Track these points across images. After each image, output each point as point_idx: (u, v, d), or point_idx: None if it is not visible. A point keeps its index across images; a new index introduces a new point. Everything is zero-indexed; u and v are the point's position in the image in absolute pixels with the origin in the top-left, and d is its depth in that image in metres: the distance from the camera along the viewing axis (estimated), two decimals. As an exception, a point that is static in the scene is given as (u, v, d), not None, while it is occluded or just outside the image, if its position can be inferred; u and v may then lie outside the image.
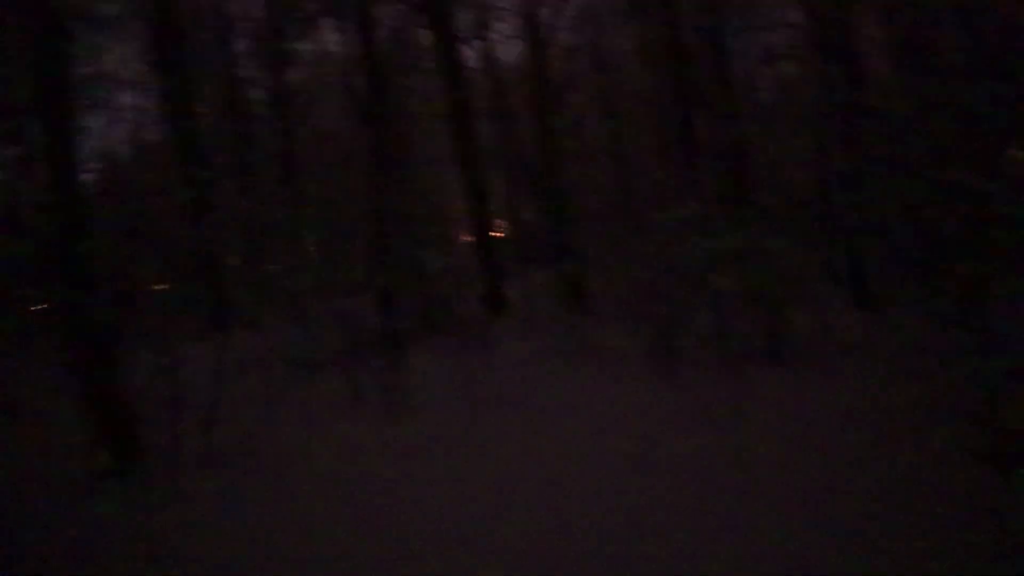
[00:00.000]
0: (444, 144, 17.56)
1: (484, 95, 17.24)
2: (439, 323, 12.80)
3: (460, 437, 6.86)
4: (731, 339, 7.91)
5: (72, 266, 6.87)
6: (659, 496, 4.95)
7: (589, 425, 6.79)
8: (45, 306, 11.72)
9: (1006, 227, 5.86)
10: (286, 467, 6.50)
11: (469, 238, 17.37)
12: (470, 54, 17.63)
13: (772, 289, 8.17)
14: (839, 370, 7.68)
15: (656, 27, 14.10)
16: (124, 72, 18.03)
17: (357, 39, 16.06)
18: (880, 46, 12.56)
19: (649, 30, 15.12)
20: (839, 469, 5.08)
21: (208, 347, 8.53)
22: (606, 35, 18.15)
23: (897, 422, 5.88)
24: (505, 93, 18.27)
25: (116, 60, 17.55)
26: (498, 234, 18.12)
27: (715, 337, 8.14)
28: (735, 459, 5.48)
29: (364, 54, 15.46)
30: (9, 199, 14.14)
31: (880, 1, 11.07)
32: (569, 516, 4.77)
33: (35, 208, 12.12)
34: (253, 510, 5.50)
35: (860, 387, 6.95)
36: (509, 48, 25.87)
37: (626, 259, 10.01)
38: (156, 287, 16.75)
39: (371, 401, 8.50)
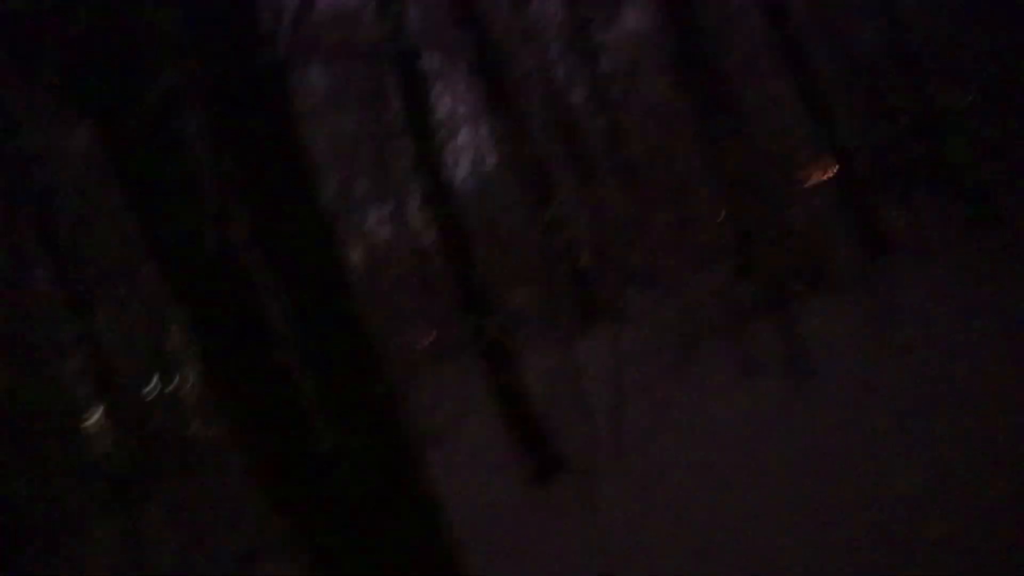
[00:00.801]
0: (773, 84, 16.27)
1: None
2: (817, 278, 11.72)
3: (871, 402, 6.05)
4: None
5: (467, 291, 7.47)
6: None
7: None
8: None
9: None
10: (684, 456, 6.29)
11: (824, 176, 15.83)
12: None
13: None
14: None
15: None
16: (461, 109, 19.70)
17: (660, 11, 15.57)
18: None
19: None
20: None
21: (587, 344, 8.72)
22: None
23: None
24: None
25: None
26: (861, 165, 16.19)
27: None
28: None
29: (669, 21, 14.88)
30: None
31: None
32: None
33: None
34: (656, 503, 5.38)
35: None
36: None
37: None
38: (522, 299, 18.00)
39: (766, 371, 7.96)
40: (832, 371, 7.16)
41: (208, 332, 3.54)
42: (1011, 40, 12.43)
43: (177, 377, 10.86)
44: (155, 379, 10.95)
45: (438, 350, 13.05)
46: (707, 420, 7.20)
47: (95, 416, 10.99)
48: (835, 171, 13.95)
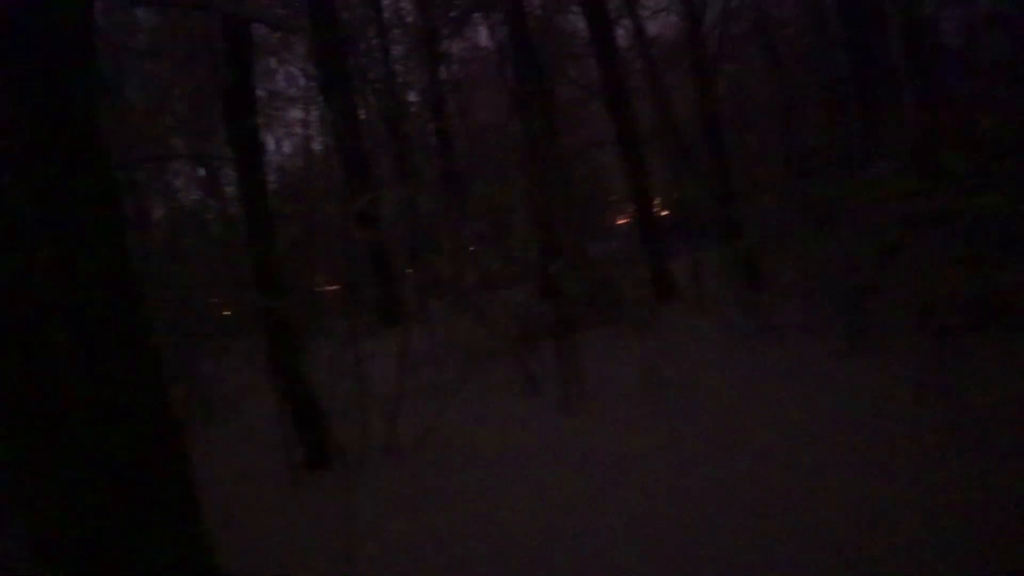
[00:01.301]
0: (601, 127, 17.24)
1: (639, 73, 16.66)
2: (607, 310, 12.53)
3: (639, 424, 6.61)
4: (932, 308, 7.07)
5: (263, 271, 7.27)
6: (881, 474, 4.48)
7: (772, 407, 6.33)
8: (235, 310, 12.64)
9: None
10: (463, 459, 6.52)
11: (632, 221, 16.96)
12: (622, 33, 17.13)
13: (982, 251, 7.23)
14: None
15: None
16: (289, 89, 19.19)
17: (508, 31, 16.13)
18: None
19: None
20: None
21: (381, 343, 8.77)
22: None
23: None
24: (661, 69, 17.58)
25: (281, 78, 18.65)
26: (662, 214, 17.57)
27: (913, 307, 7.33)
28: (950, 434, 4.88)
29: (515, 44, 15.45)
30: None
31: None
32: (769, 504, 4.40)
33: (223, 219, 13.11)
34: (433, 501, 5.54)
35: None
36: (663, 22, 25.05)
37: (805, 230, 9.28)
38: (329, 287, 17.69)
39: (545, 390, 8.42)
40: (607, 397, 7.73)
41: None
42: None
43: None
44: None
45: (231, 325, 12.50)
46: (486, 428, 7.47)
47: None
48: (639, 216, 15.05)
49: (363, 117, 18.92)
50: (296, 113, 20.93)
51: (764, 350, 8.52)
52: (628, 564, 4.02)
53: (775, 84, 15.49)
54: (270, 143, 20.39)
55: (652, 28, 19.63)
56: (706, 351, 9.09)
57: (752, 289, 10.89)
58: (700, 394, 7.28)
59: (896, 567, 3.54)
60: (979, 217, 7.42)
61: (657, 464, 5.48)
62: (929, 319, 7.16)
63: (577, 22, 17.83)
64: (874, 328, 7.71)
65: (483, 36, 20.72)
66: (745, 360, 8.31)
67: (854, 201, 7.73)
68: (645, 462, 5.57)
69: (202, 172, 14.74)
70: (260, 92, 15.93)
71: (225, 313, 12.91)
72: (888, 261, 7.70)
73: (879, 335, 7.63)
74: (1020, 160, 9.89)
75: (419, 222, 13.70)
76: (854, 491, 4.40)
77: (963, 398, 5.50)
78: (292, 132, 21.67)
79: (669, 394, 7.42)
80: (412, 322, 9.82)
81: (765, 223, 11.33)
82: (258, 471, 7.23)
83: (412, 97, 21.44)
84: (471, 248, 14.54)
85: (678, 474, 5.21)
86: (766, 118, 15.79)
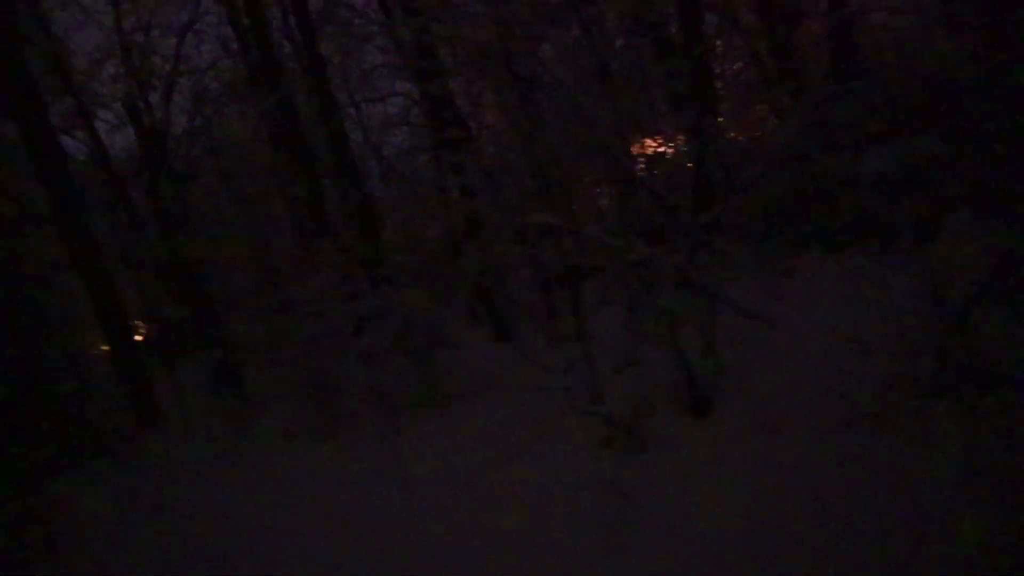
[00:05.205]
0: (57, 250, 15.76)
1: (97, 188, 15.83)
2: (83, 447, 11.37)
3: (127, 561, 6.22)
4: (386, 394, 8.19)
5: None
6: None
7: (252, 519, 6.59)
8: None
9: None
10: None
11: (107, 347, 15.72)
12: (73, 144, 16.13)
13: (416, 340, 8.63)
14: (488, 404, 8.31)
15: (271, 105, 14.18)
16: None
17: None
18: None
19: (265, 108, 15.17)
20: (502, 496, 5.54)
21: None
22: (223, 116, 17.82)
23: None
24: (123, 183, 16.94)
25: None
26: (139, 336, 16.62)
27: (372, 395, 8.37)
28: (401, 508, 5.72)
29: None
30: None
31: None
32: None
33: None
34: None
35: (505, 416, 7.60)
36: (122, 136, 24.10)
37: (275, 335, 9.87)
38: None
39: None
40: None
41: None
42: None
43: None
44: None
45: None
46: None
47: None
48: (112, 341, 14.04)
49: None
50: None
51: (245, 458, 8.71)
52: None
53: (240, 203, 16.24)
54: None
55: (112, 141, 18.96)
56: (189, 472, 8.89)
57: (235, 401, 11.05)
58: (175, 517, 7.16)
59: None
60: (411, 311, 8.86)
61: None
62: (384, 403, 8.27)
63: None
64: (339, 415, 8.55)
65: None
66: (225, 474, 8.39)
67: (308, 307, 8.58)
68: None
69: None
70: None
71: None
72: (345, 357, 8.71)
73: (343, 421, 8.49)
74: (451, 257, 11.98)
75: None
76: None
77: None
78: None
79: (147, 524, 7.12)
80: None
81: (242, 332, 11.68)
82: None
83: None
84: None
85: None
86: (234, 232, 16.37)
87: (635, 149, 8.22)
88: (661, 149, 8.41)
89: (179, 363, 13.23)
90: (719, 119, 10.15)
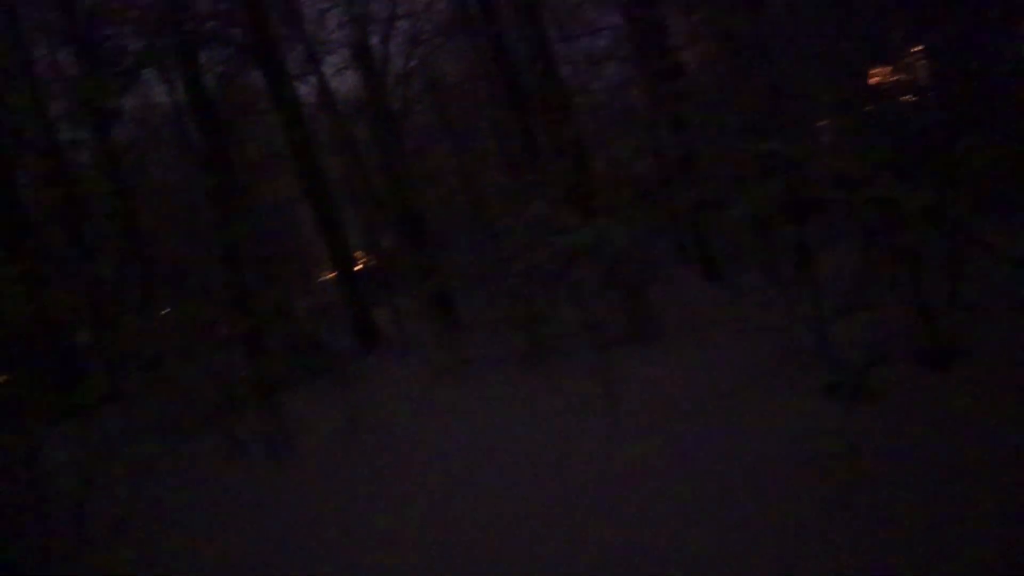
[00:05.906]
0: (292, 183, 17.26)
1: (325, 129, 17.04)
2: (312, 364, 12.55)
3: (344, 469, 6.79)
4: (596, 328, 8.22)
5: None
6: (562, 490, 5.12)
7: (470, 441, 6.88)
8: None
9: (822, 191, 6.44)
10: (171, 534, 6.21)
11: (331, 274, 17.12)
12: (305, 89, 17.40)
13: (627, 276, 8.57)
14: (699, 343, 8.14)
15: (483, 43, 14.47)
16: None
17: (184, 87, 15.58)
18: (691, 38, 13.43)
19: (477, 46, 15.50)
20: (715, 438, 5.41)
21: (68, 427, 8.04)
22: (437, 55, 18.40)
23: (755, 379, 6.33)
24: (345, 125, 18.12)
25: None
26: (360, 265, 17.95)
27: (581, 328, 8.44)
28: (607, 440, 5.73)
29: (193, 101, 15.00)
30: None
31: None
32: (472, 537, 4.84)
33: None
34: None
35: (718, 356, 7.40)
36: (344, 80, 25.68)
37: (484, 267, 10.21)
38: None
39: (251, 453, 8.25)
40: (314, 448, 7.80)
41: None
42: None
43: None
44: None
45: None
46: (190, 502, 7.14)
47: None
48: (338, 269, 15.28)
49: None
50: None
51: (458, 383, 9.16)
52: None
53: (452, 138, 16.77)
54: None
55: (336, 85, 20.21)
56: (405, 393, 9.51)
57: (448, 327, 11.63)
58: (398, 433, 7.66)
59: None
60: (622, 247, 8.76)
61: (363, 509, 5.71)
62: (593, 338, 8.32)
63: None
64: (548, 350, 8.70)
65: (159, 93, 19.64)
66: (441, 395, 8.88)
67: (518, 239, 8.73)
68: (352, 505, 5.79)
69: None
70: None
71: None
72: (554, 291, 8.82)
73: (553, 356, 8.63)
74: (663, 193, 11.74)
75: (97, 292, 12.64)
76: (538, 492, 5.02)
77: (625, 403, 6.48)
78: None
79: (370, 437, 7.70)
80: (110, 399, 9.07)
81: (454, 264, 12.19)
82: None
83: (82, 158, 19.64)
84: (163, 312, 13.69)
85: (385, 516, 5.49)
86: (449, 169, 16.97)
87: (873, 79, 7.50)
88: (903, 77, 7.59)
89: (397, 291, 14.10)
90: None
